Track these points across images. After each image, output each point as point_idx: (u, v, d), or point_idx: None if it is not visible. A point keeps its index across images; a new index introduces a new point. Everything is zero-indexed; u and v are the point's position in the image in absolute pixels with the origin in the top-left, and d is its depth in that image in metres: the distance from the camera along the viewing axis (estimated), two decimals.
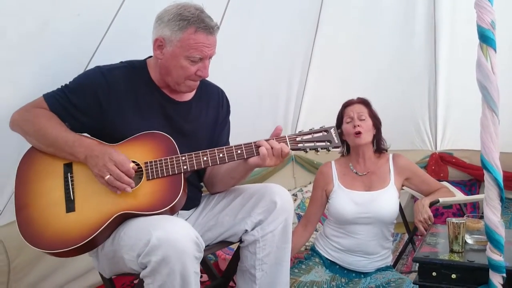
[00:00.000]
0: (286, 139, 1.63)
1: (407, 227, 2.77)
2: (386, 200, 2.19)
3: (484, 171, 1.35)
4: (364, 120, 2.22)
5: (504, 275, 1.35)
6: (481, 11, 1.32)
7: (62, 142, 1.57)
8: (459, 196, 2.38)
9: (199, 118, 1.80)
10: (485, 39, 1.32)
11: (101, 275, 1.74)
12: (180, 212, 1.71)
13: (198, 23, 1.61)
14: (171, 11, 1.63)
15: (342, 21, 3.45)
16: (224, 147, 1.62)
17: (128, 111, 1.67)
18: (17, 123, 1.65)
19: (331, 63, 3.60)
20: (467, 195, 3.09)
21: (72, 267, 2.34)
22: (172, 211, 1.55)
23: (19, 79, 1.82)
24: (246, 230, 1.72)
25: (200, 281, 1.50)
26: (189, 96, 1.80)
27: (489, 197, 1.35)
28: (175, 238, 1.38)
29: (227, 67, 2.63)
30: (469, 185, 3.68)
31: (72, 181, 1.58)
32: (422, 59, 3.48)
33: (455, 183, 3.05)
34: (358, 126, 2.19)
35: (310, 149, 1.64)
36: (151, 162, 1.59)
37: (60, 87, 1.69)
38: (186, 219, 1.74)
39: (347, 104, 2.31)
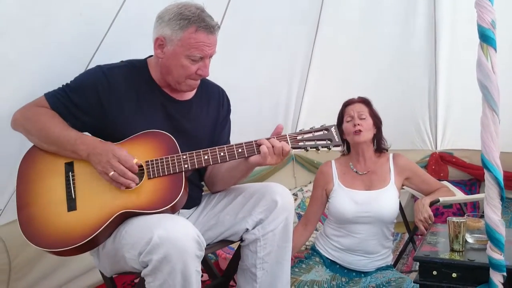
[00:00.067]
0: (287, 137, 1.63)
1: (407, 226, 2.77)
2: (386, 199, 2.19)
3: (485, 170, 1.36)
4: (364, 119, 2.23)
5: (505, 274, 1.36)
6: (481, 11, 1.33)
7: (64, 140, 1.58)
8: (459, 196, 2.38)
9: (200, 117, 1.81)
10: (486, 38, 1.33)
11: (102, 274, 1.74)
12: (181, 211, 1.72)
13: (199, 22, 1.61)
14: (172, 10, 1.64)
15: (343, 21, 3.45)
16: (225, 145, 1.62)
17: (129, 110, 1.68)
18: (19, 122, 1.65)
19: (332, 63, 3.60)
20: (467, 194, 3.09)
21: (72, 266, 2.34)
22: (173, 210, 1.55)
23: (21, 78, 1.82)
24: (247, 229, 1.72)
25: (201, 280, 1.50)
26: (189, 95, 1.80)
27: (490, 196, 1.36)
28: (177, 237, 1.38)
29: (227, 66, 2.63)
30: (469, 185, 3.68)
31: (73, 180, 1.59)
32: (422, 59, 3.49)
33: (455, 183, 3.05)
34: (358, 125, 2.20)
35: (311, 148, 1.64)
36: (152, 161, 1.59)
37: (61, 86, 1.69)
38: (187, 218, 1.74)
39: (347, 103, 2.32)
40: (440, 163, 3.75)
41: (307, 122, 3.75)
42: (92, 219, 1.51)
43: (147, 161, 1.59)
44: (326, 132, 1.66)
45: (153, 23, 1.69)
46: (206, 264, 2.09)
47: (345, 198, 2.21)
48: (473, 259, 1.52)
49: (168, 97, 1.75)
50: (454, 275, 1.51)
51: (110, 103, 1.65)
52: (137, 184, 1.56)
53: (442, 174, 3.71)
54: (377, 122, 2.29)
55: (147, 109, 1.71)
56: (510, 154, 2.98)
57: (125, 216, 1.53)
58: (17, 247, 2.08)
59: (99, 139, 1.61)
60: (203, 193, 1.91)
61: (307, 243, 2.56)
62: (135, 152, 1.60)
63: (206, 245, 1.50)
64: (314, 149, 1.65)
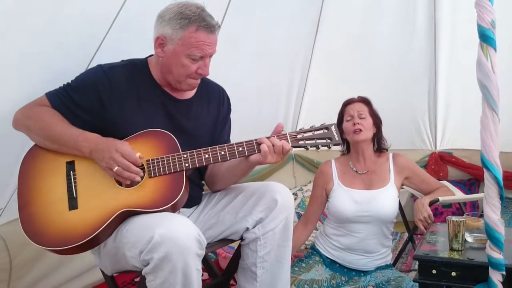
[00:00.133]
0: (287, 136, 1.64)
1: (407, 226, 2.77)
2: (386, 199, 2.20)
3: (484, 170, 1.36)
4: (364, 118, 2.24)
5: (504, 272, 1.36)
6: (481, 11, 1.33)
7: (66, 137, 1.58)
8: (458, 195, 2.39)
9: (200, 116, 1.81)
10: (485, 38, 1.33)
11: (103, 273, 1.75)
12: (182, 210, 1.72)
13: (199, 22, 1.62)
14: (173, 10, 1.64)
15: (343, 21, 3.45)
16: (225, 144, 1.63)
17: (130, 109, 1.68)
18: (21, 121, 1.66)
19: (331, 63, 3.61)
20: (467, 194, 3.10)
21: (73, 265, 2.35)
22: (174, 209, 1.55)
23: (21, 78, 1.82)
24: (247, 228, 1.72)
25: (201, 279, 1.51)
26: (190, 94, 1.80)
27: (489, 195, 1.36)
28: (178, 236, 1.38)
29: (228, 66, 2.63)
30: (469, 185, 3.69)
31: (74, 178, 1.59)
32: (422, 59, 3.49)
33: (455, 183, 3.05)
34: (358, 124, 2.20)
35: (311, 147, 1.65)
36: (153, 159, 1.60)
37: (62, 85, 1.70)
38: (187, 217, 1.74)
39: (347, 103, 2.32)
40: (440, 163, 3.76)
41: (307, 122, 3.74)
42: (93, 218, 1.51)
43: (148, 160, 1.60)
44: (326, 131, 1.66)
45: (153, 23, 1.69)
46: (206, 263, 2.10)
47: (345, 198, 2.22)
48: (473, 258, 1.52)
49: (169, 96, 1.75)
50: (453, 274, 1.51)
51: (111, 102, 1.66)
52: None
53: (441, 174, 3.71)
54: (377, 122, 2.29)
55: (147, 108, 1.71)
56: (510, 154, 2.99)
57: (126, 215, 1.54)
58: (18, 246, 2.08)
59: (100, 135, 1.61)
60: (203, 192, 1.91)
61: (307, 242, 2.56)
62: (136, 151, 1.60)
63: (207, 244, 1.51)
64: (314, 148, 1.66)
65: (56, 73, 1.80)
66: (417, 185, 2.32)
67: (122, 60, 1.77)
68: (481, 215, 1.52)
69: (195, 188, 1.83)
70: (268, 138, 1.62)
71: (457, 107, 3.60)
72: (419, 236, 2.81)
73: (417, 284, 1.60)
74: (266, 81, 3.32)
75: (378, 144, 2.33)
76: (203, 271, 1.50)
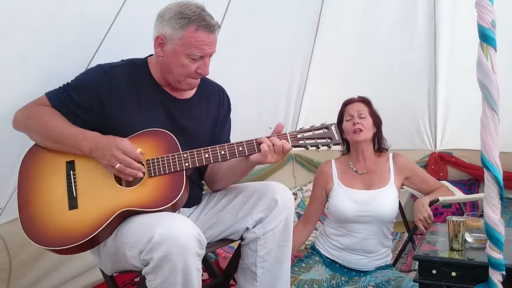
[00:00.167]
0: (287, 136, 1.64)
1: (407, 226, 2.77)
2: (386, 199, 2.20)
3: (484, 169, 1.36)
4: (364, 118, 2.24)
5: (504, 272, 1.36)
6: (481, 11, 1.33)
7: (66, 136, 1.58)
8: (458, 195, 2.39)
9: (200, 115, 1.81)
10: (486, 38, 1.33)
11: (103, 273, 1.74)
12: (182, 209, 1.72)
13: (199, 22, 1.62)
14: (172, 9, 1.64)
15: (343, 21, 3.45)
16: (225, 144, 1.63)
17: (130, 109, 1.68)
18: (21, 121, 1.66)
19: (332, 63, 3.61)
20: (467, 194, 3.10)
21: (73, 264, 2.35)
22: (174, 208, 1.55)
23: (22, 78, 1.82)
24: (247, 228, 1.72)
25: (201, 279, 1.51)
26: (190, 93, 1.80)
27: (489, 195, 1.36)
28: (178, 235, 1.38)
29: (228, 65, 2.63)
30: (469, 185, 3.69)
31: (74, 178, 1.59)
32: (422, 59, 3.49)
33: (455, 183, 3.05)
34: (358, 123, 2.20)
35: (311, 146, 1.65)
36: (153, 159, 1.60)
37: (62, 85, 1.70)
38: (187, 217, 1.74)
39: (347, 103, 2.32)
40: (440, 163, 3.76)
41: (307, 122, 3.74)
42: (93, 218, 1.51)
43: (148, 160, 1.60)
44: (326, 130, 1.66)
45: (153, 23, 1.69)
46: (206, 263, 2.10)
47: (345, 198, 2.22)
48: (473, 258, 1.52)
49: (169, 96, 1.75)
50: (453, 274, 1.51)
51: (111, 102, 1.66)
52: (137, 183, 1.57)
53: (441, 174, 3.71)
54: (377, 122, 2.30)
55: (147, 108, 1.71)
56: (510, 154, 2.99)
57: (126, 215, 1.54)
58: (18, 246, 2.08)
59: (100, 134, 1.61)
60: (203, 192, 1.91)
61: (306, 242, 2.56)
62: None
63: (207, 244, 1.51)
64: (314, 148, 1.66)
65: (56, 73, 1.80)
66: (417, 185, 2.32)
67: (122, 60, 1.77)
68: (481, 215, 1.52)
69: (195, 188, 1.84)
70: (268, 137, 1.62)
71: (457, 107, 3.60)
72: (419, 236, 2.81)
73: (417, 284, 1.60)
74: (266, 81, 3.32)
75: (378, 144, 2.33)
76: (203, 271, 1.50)
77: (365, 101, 2.32)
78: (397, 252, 2.74)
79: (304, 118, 3.85)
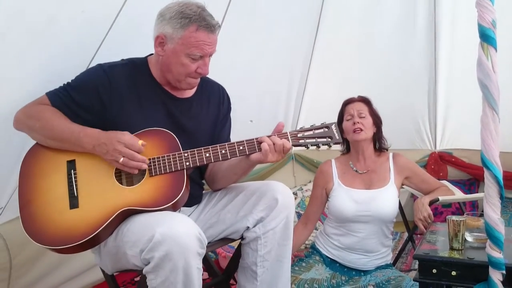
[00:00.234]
0: (287, 135, 1.64)
1: (407, 225, 2.78)
2: (386, 198, 2.20)
3: (484, 169, 1.36)
4: (364, 117, 2.24)
5: (504, 272, 1.36)
6: (482, 10, 1.33)
7: (68, 134, 1.59)
8: (458, 195, 2.39)
9: (200, 114, 1.81)
10: (486, 38, 1.33)
11: (103, 272, 1.75)
12: (182, 209, 1.73)
13: (200, 21, 1.62)
14: (173, 9, 1.64)
15: (343, 21, 3.46)
16: (226, 143, 1.63)
17: (130, 108, 1.68)
18: (22, 121, 1.66)
19: (332, 63, 3.61)
20: (466, 194, 3.10)
21: (74, 264, 2.35)
22: (174, 207, 1.56)
23: (22, 78, 1.82)
24: (248, 227, 1.73)
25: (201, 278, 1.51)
26: (190, 93, 1.81)
27: (489, 195, 1.36)
28: (179, 234, 1.39)
29: (228, 65, 2.64)
30: (468, 185, 3.69)
31: (75, 177, 1.59)
32: (422, 59, 3.49)
33: (455, 183, 3.05)
34: (358, 123, 2.21)
35: (311, 145, 1.65)
36: (153, 158, 1.60)
37: (62, 85, 1.70)
38: (188, 216, 1.75)
39: (347, 102, 2.33)
40: (440, 163, 3.76)
41: (307, 122, 3.74)
42: (94, 217, 1.51)
43: (149, 159, 1.60)
44: (326, 129, 1.67)
45: (154, 22, 1.69)
46: (206, 262, 2.10)
47: (345, 197, 2.22)
48: (473, 257, 1.52)
49: (169, 95, 1.76)
50: (453, 273, 1.51)
51: (111, 101, 1.66)
52: (138, 183, 1.57)
53: (441, 174, 3.71)
54: (377, 121, 2.30)
55: (148, 107, 1.71)
56: (510, 154, 2.99)
57: (127, 214, 1.54)
58: (18, 245, 2.08)
59: (101, 130, 1.61)
60: (204, 192, 1.92)
61: (307, 242, 2.56)
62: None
63: (207, 243, 1.51)
64: (315, 147, 1.66)
65: (56, 73, 1.80)
66: (417, 185, 2.33)
67: (122, 59, 1.77)
68: (481, 215, 1.52)
69: (196, 187, 1.84)
70: (269, 136, 1.62)
71: (457, 107, 3.60)
72: (419, 235, 2.81)
73: (417, 283, 1.60)
74: (266, 81, 3.32)
75: (378, 143, 2.33)
76: (203, 270, 1.50)
77: (365, 100, 2.32)
78: (397, 252, 2.74)
79: (304, 118, 3.85)
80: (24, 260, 2.13)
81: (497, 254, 1.36)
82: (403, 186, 2.35)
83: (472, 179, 3.72)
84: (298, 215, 3.41)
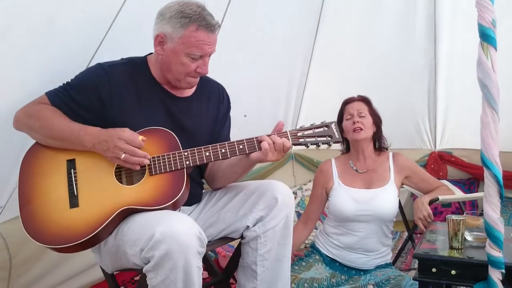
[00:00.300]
0: (287, 134, 1.65)
1: (407, 225, 2.78)
2: (386, 198, 2.20)
3: (484, 168, 1.36)
4: (364, 117, 2.24)
5: (503, 271, 1.37)
6: (482, 10, 1.33)
7: (68, 133, 1.59)
8: (458, 194, 2.39)
9: (200, 114, 1.81)
10: (486, 37, 1.33)
11: (103, 271, 1.75)
12: (182, 208, 1.73)
13: (200, 21, 1.62)
14: (173, 8, 1.64)
15: (343, 20, 3.46)
16: (226, 142, 1.64)
17: (130, 107, 1.68)
18: (22, 121, 1.66)
19: (332, 62, 3.61)
20: (466, 193, 3.11)
21: (73, 263, 2.35)
22: (174, 206, 1.56)
23: (22, 77, 1.83)
24: (248, 226, 1.73)
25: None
26: (189, 92, 1.81)
27: (489, 194, 1.36)
28: (179, 233, 1.39)
29: (228, 64, 2.63)
30: (468, 184, 3.69)
31: (75, 176, 1.59)
32: (422, 58, 3.49)
33: (454, 182, 3.05)
34: (358, 122, 2.21)
35: (311, 144, 1.66)
36: (153, 157, 1.60)
37: (62, 84, 1.70)
38: (188, 215, 1.75)
39: (347, 102, 2.33)
40: (439, 162, 3.76)
41: (307, 121, 3.74)
42: (94, 216, 1.51)
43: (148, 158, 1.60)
44: (326, 128, 1.67)
45: (154, 21, 1.69)
46: (206, 262, 2.10)
47: (345, 197, 2.22)
48: (472, 256, 1.52)
49: (169, 94, 1.76)
50: (453, 272, 1.51)
51: (110, 100, 1.66)
52: (138, 182, 1.57)
53: (441, 173, 3.72)
54: (376, 121, 2.30)
55: (147, 107, 1.71)
56: (510, 153, 2.99)
57: (127, 213, 1.54)
58: (18, 244, 2.08)
59: (101, 128, 1.61)
60: (204, 191, 1.92)
61: (306, 241, 2.57)
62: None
63: (207, 242, 1.51)
64: (315, 146, 1.66)
65: (56, 73, 1.80)
66: (416, 184, 2.33)
67: (122, 59, 1.77)
68: (481, 214, 1.53)
69: (196, 186, 1.84)
70: (268, 135, 1.63)
71: (456, 106, 3.61)
72: (418, 235, 2.82)
73: (417, 282, 1.60)
74: (266, 80, 3.32)
75: (378, 143, 2.33)
76: (203, 269, 1.51)
77: (365, 100, 2.32)
78: (397, 251, 2.75)
79: (304, 117, 3.86)
80: (24, 259, 2.13)
81: (496, 253, 1.36)
82: (403, 186, 2.35)
83: (472, 178, 3.73)
84: (298, 214, 3.42)
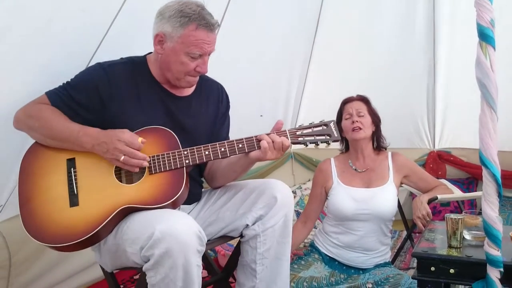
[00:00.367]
0: (286, 133, 1.65)
1: (406, 224, 2.78)
2: (385, 197, 2.21)
3: (483, 167, 1.37)
4: (363, 116, 2.25)
5: (501, 269, 1.37)
6: (480, 10, 1.34)
7: (67, 134, 1.59)
8: (457, 193, 2.40)
9: (199, 113, 1.82)
10: (485, 37, 1.33)
11: (103, 269, 1.75)
12: (182, 206, 1.73)
13: (199, 20, 1.62)
14: (173, 7, 1.64)
15: (342, 20, 3.46)
16: (225, 141, 1.64)
17: (130, 106, 1.69)
18: (22, 121, 1.66)
19: (331, 61, 3.61)
20: (465, 193, 3.11)
21: (73, 261, 2.35)
22: (174, 205, 1.56)
23: (22, 77, 1.83)
24: (247, 225, 1.73)
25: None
26: (189, 91, 1.81)
27: (487, 193, 1.37)
28: (178, 232, 1.39)
29: (227, 64, 2.64)
30: (467, 183, 3.70)
31: (75, 175, 1.60)
32: (422, 58, 3.50)
33: (453, 181, 3.06)
34: (357, 122, 2.21)
35: (310, 143, 1.66)
36: (153, 156, 1.61)
37: (62, 84, 1.70)
38: (187, 214, 1.75)
39: (346, 101, 2.33)
40: (438, 162, 3.77)
41: (307, 119, 3.75)
42: (94, 215, 1.52)
43: (148, 157, 1.60)
44: (325, 127, 1.68)
45: (153, 21, 1.70)
46: (205, 260, 2.10)
47: (345, 196, 2.22)
48: (471, 255, 1.53)
49: (168, 93, 1.76)
50: (451, 271, 1.52)
51: (110, 100, 1.66)
52: (138, 181, 1.57)
53: (440, 173, 3.73)
54: (375, 120, 2.30)
55: (147, 106, 1.72)
56: (508, 153, 3.00)
57: (127, 211, 1.54)
58: (18, 243, 2.08)
59: (100, 129, 1.61)
60: (203, 189, 1.92)
61: (306, 240, 2.57)
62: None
63: (207, 241, 1.51)
64: (314, 145, 1.67)
65: (56, 72, 1.80)
66: (415, 184, 2.33)
67: (121, 58, 1.78)
68: (480, 213, 1.53)
69: (195, 185, 1.84)
70: (268, 134, 1.63)
71: (455, 106, 3.61)
72: (417, 234, 2.82)
73: (416, 281, 1.61)
74: (266, 80, 3.32)
75: (377, 142, 2.34)
76: (202, 268, 1.51)
77: (364, 99, 2.33)
78: (395, 250, 2.75)
79: (303, 117, 3.86)
80: (23, 258, 2.14)
81: (495, 252, 1.37)
82: (402, 185, 2.36)
83: (470, 177, 3.73)
84: (297, 213, 3.42)
